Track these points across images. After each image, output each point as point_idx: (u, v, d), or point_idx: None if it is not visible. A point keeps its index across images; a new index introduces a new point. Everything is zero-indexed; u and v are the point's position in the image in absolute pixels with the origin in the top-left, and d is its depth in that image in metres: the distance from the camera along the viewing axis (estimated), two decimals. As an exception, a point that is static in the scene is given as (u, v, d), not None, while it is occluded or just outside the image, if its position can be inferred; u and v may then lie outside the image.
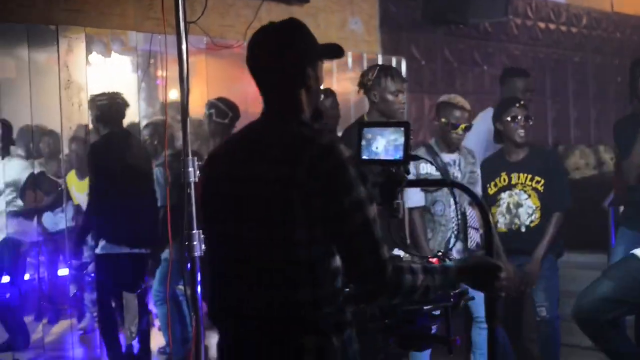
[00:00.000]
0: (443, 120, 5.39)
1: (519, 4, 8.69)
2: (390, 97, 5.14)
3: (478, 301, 5.38)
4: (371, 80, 5.16)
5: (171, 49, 4.84)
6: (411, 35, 7.65)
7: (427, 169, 5.36)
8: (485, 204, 2.84)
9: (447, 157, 5.45)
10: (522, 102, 5.77)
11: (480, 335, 5.55)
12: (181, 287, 6.23)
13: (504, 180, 5.72)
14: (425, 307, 2.77)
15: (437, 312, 2.82)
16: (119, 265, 5.94)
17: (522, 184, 5.71)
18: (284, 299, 2.54)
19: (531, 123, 5.77)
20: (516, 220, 5.68)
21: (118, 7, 5.62)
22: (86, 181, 6.88)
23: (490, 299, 2.83)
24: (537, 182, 5.70)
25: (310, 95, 2.68)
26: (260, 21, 6.09)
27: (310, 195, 2.48)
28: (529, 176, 5.70)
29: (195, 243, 4.16)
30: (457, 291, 2.77)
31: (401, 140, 2.73)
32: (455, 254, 5.40)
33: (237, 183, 2.64)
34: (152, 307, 6.59)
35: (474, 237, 5.49)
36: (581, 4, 9.71)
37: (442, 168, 5.37)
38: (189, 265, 4.43)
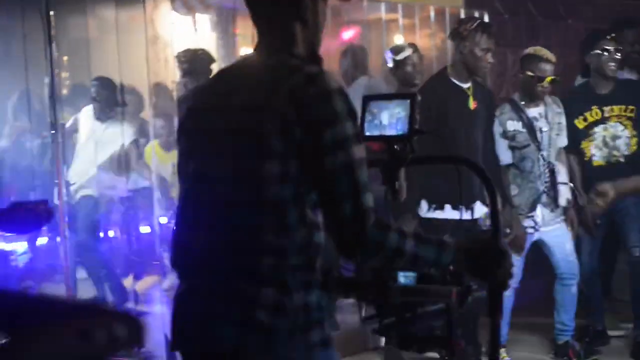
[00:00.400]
0: (528, 73, 5.35)
1: (606, -46, 8.47)
2: (479, 52, 5.10)
3: (560, 257, 5.43)
4: (467, 31, 5.12)
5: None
6: (494, -12, 7.54)
7: (514, 125, 5.34)
8: (492, 181, 2.56)
9: (532, 111, 5.40)
10: (613, 35, 5.65)
11: (562, 292, 5.51)
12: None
13: (596, 114, 5.66)
14: (426, 307, 2.48)
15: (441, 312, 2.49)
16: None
17: (616, 116, 5.63)
18: (244, 244, 2.26)
19: (619, 56, 5.64)
20: (615, 152, 5.62)
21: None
22: (172, 153, 6.97)
23: (493, 290, 2.43)
24: (631, 110, 5.61)
25: (306, 30, 2.40)
26: (342, -23, 6.08)
27: (289, 126, 2.20)
28: (623, 107, 5.63)
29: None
30: (462, 287, 2.41)
31: (406, 113, 2.45)
32: (544, 211, 5.41)
33: (210, 115, 2.40)
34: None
35: (564, 193, 5.44)
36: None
37: (528, 124, 5.34)
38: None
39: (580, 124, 5.67)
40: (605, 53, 5.58)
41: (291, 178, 2.22)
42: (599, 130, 5.66)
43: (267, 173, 2.21)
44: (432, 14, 7.13)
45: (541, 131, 5.39)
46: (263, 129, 2.21)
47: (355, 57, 6.64)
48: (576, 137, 5.63)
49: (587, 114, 5.68)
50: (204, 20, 7.61)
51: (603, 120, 5.66)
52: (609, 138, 5.64)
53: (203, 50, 6.15)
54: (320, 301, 2.32)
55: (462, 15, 7.18)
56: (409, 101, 2.46)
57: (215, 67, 6.07)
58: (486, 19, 7.34)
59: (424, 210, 5.15)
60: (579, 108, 5.67)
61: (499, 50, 7.45)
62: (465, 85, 5.19)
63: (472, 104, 5.19)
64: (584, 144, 5.69)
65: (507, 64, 7.66)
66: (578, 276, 5.55)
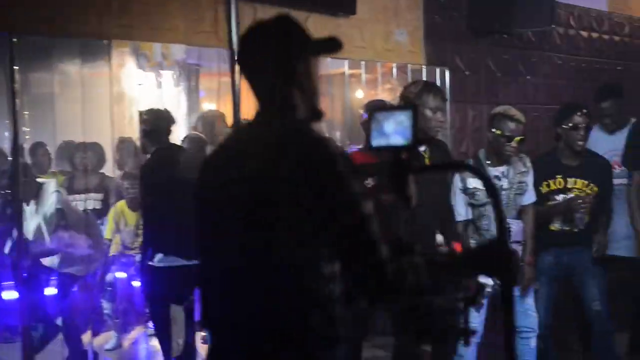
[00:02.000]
0: (497, 131, 5.37)
1: (562, 13, 8.62)
2: (429, 113, 4.97)
3: (519, 311, 5.46)
4: (414, 94, 5.09)
5: (221, 62, 4.88)
6: (455, 46, 7.63)
7: (474, 183, 5.36)
8: (497, 191, 2.72)
9: (494, 170, 5.43)
10: (584, 111, 5.76)
11: (521, 346, 5.54)
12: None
13: (560, 184, 5.77)
14: (442, 302, 2.63)
15: (456, 305, 2.67)
16: (170, 277, 5.97)
17: (578, 189, 5.74)
18: (265, 309, 2.36)
19: (591, 131, 5.79)
20: (570, 223, 5.72)
21: (168, 22, 5.64)
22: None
23: (504, 286, 2.61)
24: (592, 189, 5.74)
25: (303, 93, 2.55)
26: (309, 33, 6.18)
27: (298, 192, 2.33)
28: (586, 182, 5.75)
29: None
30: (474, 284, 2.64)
31: (410, 123, 2.51)
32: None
33: (223, 188, 2.49)
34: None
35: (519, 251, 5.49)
36: (623, 12, 9.64)
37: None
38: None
39: (543, 189, 5.78)
40: (577, 129, 5.70)
41: (304, 242, 2.34)
42: (559, 198, 5.78)
43: (281, 241, 2.33)
44: (395, 70, 7.21)
45: (501, 190, 5.43)
46: (275, 200, 2.33)
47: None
48: (537, 199, 5.70)
49: (551, 182, 5.80)
50: (168, 76, 7.66)
51: (565, 191, 5.78)
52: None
53: (166, 110, 6.15)
54: (344, 356, 2.42)
55: (424, 72, 7.30)
56: (411, 111, 2.51)
57: (174, 128, 6.09)
58: (447, 75, 7.48)
59: None
60: (543, 175, 5.77)
61: (460, 106, 7.59)
62: (422, 149, 5.16)
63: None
64: (544, 206, 5.80)
65: (468, 120, 7.74)
66: (537, 330, 5.59)
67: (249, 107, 5.98)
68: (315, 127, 2.52)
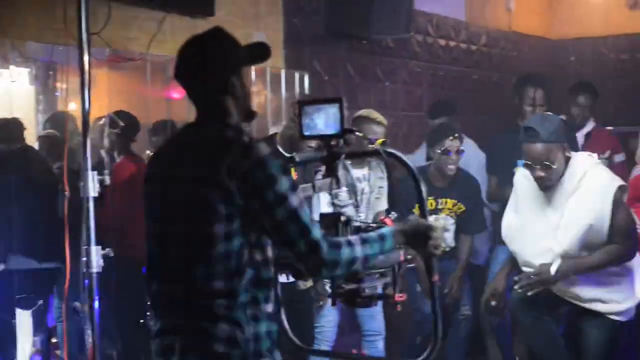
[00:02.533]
0: (359, 134, 5.41)
1: (420, 21, 8.78)
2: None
3: (365, 315, 5.52)
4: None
5: (73, 60, 4.78)
6: (314, 50, 7.66)
7: (336, 184, 5.38)
8: (415, 169, 3.11)
9: (357, 172, 5.48)
10: (455, 135, 5.83)
11: (368, 349, 5.61)
12: (78, 303, 6.18)
13: (431, 205, 5.81)
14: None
15: (383, 271, 3.06)
16: (21, 281, 5.83)
17: (448, 209, 5.84)
18: (199, 291, 2.72)
19: (462, 155, 5.84)
20: (442, 244, 5.77)
21: (18, 17, 5.48)
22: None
23: (427, 257, 3.10)
24: (459, 208, 5.84)
25: (237, 100, 2.87)
26: (164, 34, 6.11)
27: (231, 195, 2.66)
28: (454, 201, 5.84)
29: (93, 258, 4.17)
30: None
31: (338, 115, 2.86)
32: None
33: (165, 184, 2.86)
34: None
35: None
36: (480, 22, 9.90)
37: (351, 184, 5.42)
38: (87, 281, 4.37)
39: (416, 210, 5.83)
40: (447, 153, 5.77)
41: (235, 234, 2.69)
42: (431, 219, 5.82)
43: (215, 233, 2.68)
44: (254, 73, 7.19)
45: (362, 193, 5.48)
46: (209, 199, 2.68)
47: None
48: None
49: None
50: (24, 73, 7.43)
51: (436, 211, 5.85)
52: (439, 229, 5.81)
53: (14, 118, 6.12)
54: (269, 330, 2.80)
55: (283, 75, 7.30)
56: (338, 105, 2.88)
57: (27, 134, 6.03)
58: (306, 79, 7.51)
59: None
60: (414, 197, 5.80)
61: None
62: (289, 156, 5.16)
63: (294, 174, 5.22)
64: None
65: (327, 124, 7.78)
66: (384, 333, 5.65)
67: (100, 107, 5.89)
68: (246, 131, 2.80)
